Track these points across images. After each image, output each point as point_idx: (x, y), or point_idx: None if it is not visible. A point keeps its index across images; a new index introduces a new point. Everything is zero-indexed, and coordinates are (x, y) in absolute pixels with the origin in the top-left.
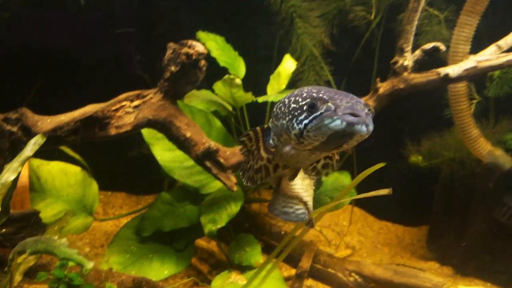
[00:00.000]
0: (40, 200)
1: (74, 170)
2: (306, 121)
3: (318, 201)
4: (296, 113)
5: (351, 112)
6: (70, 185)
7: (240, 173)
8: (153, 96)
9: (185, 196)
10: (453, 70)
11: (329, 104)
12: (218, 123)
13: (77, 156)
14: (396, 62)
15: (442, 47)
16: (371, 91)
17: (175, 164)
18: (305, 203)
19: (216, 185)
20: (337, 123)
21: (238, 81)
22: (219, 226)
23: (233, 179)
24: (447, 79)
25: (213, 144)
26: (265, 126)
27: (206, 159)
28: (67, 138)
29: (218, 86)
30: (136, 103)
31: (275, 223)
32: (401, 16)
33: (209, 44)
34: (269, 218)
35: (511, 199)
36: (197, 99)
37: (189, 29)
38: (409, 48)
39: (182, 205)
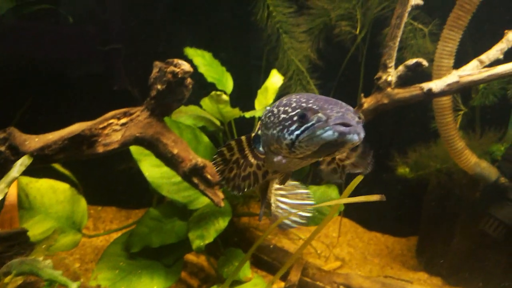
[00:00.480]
0: (29, 217)
1: (63, 187)
2: (297, 132)
3: None
4: (287, 124)
5: (342, 122)
6: (59, 202)
7: (223, 183)
8: (140, 114)
9: (174, 212)
10: (436, 85)
11: (320, 114)
12: (205, 138)
13: (66, 172)
14: (380, 78)
15: (425, 62)
16: (356, 106)
17: (163, 180)
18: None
19: (204, 200)
20: (329, 134)
21: (225, 97)
22: (207, 241)
23: (220, 195)
24: (430, 94)
25: (200, 160)
26: (252, 134)
27: (193, 175)
28: (55, 156)
29: (206, 102)
30: (123, 120)
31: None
32: (386, 30)
33: (197, 60)
34: (259, 231)
35: (497, 210)
36: (185, 115)
37: (178, 45)
38: (392, 63)
39: (170, 221)
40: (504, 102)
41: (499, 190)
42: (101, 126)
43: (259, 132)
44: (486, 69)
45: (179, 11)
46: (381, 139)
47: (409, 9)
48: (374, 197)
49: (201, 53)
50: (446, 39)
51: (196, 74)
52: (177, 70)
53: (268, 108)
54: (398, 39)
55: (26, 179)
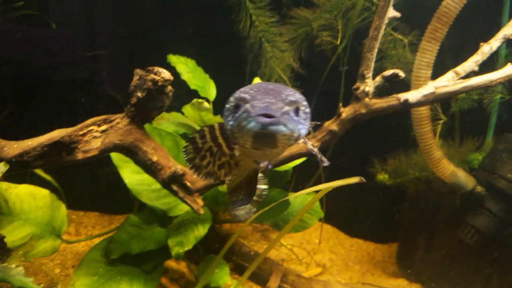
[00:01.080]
0: (7, 223)
1: (42, 193)
2: (232, 122)
3: (285, 222)
4: (227, 114)
5: (265, 112)
6: (39, 208)
7: (193, 170)
8: (120, 121)
9: (154, 219)
10: (412, 95)
11: (248, 105)
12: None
13: (48, 177)
14: (357, 88)
15: (401, 74)
16: (335, 115)
17: (143, 187)
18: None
19: (184, 207)
20: (252, 125)
21: (207, 105)
22: (186, 248)
23: (200, 202)
24: (407, 104)
25: (179, 167)
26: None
27: (172, 182)
28: (34, 163)
29: (187, 109)
30: (103, 127)
31: (245, 244)
32: (366, 40)
33: (180, 67)
34: (241, 238)
35: (473, 218)
36: (167, 121)
37: (161, 52)
38: (370, 74)
39: (150, 228)
40: (483, 112)
41: (476, 199)
42: (81, 132)
43: None
44: (461, 80)
45: (164, 18)
46: (362, 146)
47: (386, 21)
48: (354, 179)
49: (184, 60)
50: (424, 50)
51: (181, 80)
52: (157, 78)
53: None
54: (376, 50)
55: (5, 185)
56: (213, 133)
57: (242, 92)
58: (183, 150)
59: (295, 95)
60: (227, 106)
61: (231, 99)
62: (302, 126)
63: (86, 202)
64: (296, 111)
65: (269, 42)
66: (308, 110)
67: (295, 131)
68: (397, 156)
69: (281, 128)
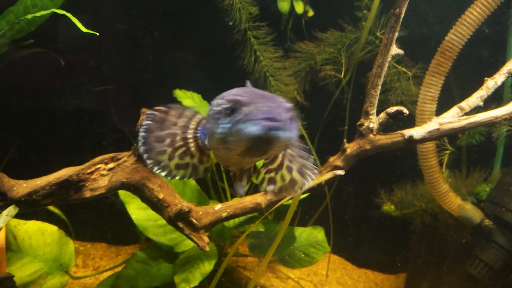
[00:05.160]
0: (16, 259)
1: (51, 229)
2: (227, 125)
3: (292, 257)
4: (218, 117)
5: (269, 116)
6: (47, 244)
7: (145, 156)
8: (127, 159)
9: (160, 254)
10: (417, 132)
11: (247, 108)
12: (192, 181)
13: (56, 211)
14: (362, 124)
15: (405, 111)
16: (340, 151)
17: (150, 223)
18: None
19: (190, 243)
20: (254, 128)
21: None
22: (192, 285)
23: (206, 239)
24: (411, 140)
25: (185, 205)
26: (202, 119)
27: (178, 220)
28: (43, 201)
29: None
30: (110, 165)
31: (252, 277)
32: (370, 73)
33: (186, 102)
34: (246, 271)
35: (482, 252)
36: None
37: (168, 87)
38: (374, 111)
39: (157, 264)
40: (490, 143)
41: (484, 232)
42: (88, 171)
43: (205, 124)
44: (466, 117)
45: (172, 53)
46: (368, 175)
47: (389, 58)
48: (338, 172)
49: (190, 95)
50: (429, 85)
51: None
52: None
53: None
54: (379, 87)
55: (14, 221)
56: (185, 127)
57: (234, 95)
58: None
59: (288, 103)
60: (217, 108)
61: (221, 101)
62: (296, 133)
63: (93, 233)
64: (291, 118)
65: (273, 76)
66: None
67: (293, 137)
68: (404, 187)
69: (282, 133)
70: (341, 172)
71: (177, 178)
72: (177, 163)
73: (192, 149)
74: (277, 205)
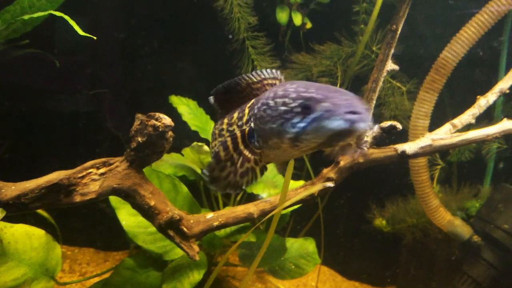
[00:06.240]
0: (1, 263)
1: (38, 234)
2: (302, 124)
3: (282, 268)
4: (288, 116)
5: (352, 110)
6: (33, 249)
7: (211, 186)
8: (119, 165)
9: (149, 262)
10: (409, 147)
11: (326, 104)
12: (184, 189)
13: (44, 214)
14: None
15: (399, 125)
16: (333, 163)
17: (140, 230)
18: None
19: (180, 251)
20: (339, 123)
21: (206, 148)
22: None
23: (196, 248)
24: (404, 155)
25: (176, 213)
26: (245, 128)
27: (169, 228)
28: (31, 204)
29: (187, 152)
30: (102, 170)
31: (239, 287)
32: (365, 87)
33: (181, 108)
34: (236, 281)
35: (470, 268)
36: (166, 163)
37: (164, 93)
38: None
39: (145, 271)
40: (481, 159)
41: (473, 249)
42: (80, 175)
43: (253, 126)
44: (458, 134)
45: (168, 59)
46: (360, 189)
47: (384, 74)
48: (328, 183)
49: (185, 101)
50: (422, 101)
51: (182, 121)
52: (158, 123)
53: (262, 100)
54: (374, 102)
55: (1, 224)
56: (235, 142)
57: (302, 92)
58: (207, 167)
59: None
60: (283, 108)
61: (287, 100)
62: (371, 122)
63: (81, 238)
64: (367, 108)
65: None
66: None
67: (371, 126)
68: (395, 201)
69: (365, 125)
70: (330, 184)
71: (243, 187)
72: (241, 172)
73: (248, 155)
74: (269, 215)
